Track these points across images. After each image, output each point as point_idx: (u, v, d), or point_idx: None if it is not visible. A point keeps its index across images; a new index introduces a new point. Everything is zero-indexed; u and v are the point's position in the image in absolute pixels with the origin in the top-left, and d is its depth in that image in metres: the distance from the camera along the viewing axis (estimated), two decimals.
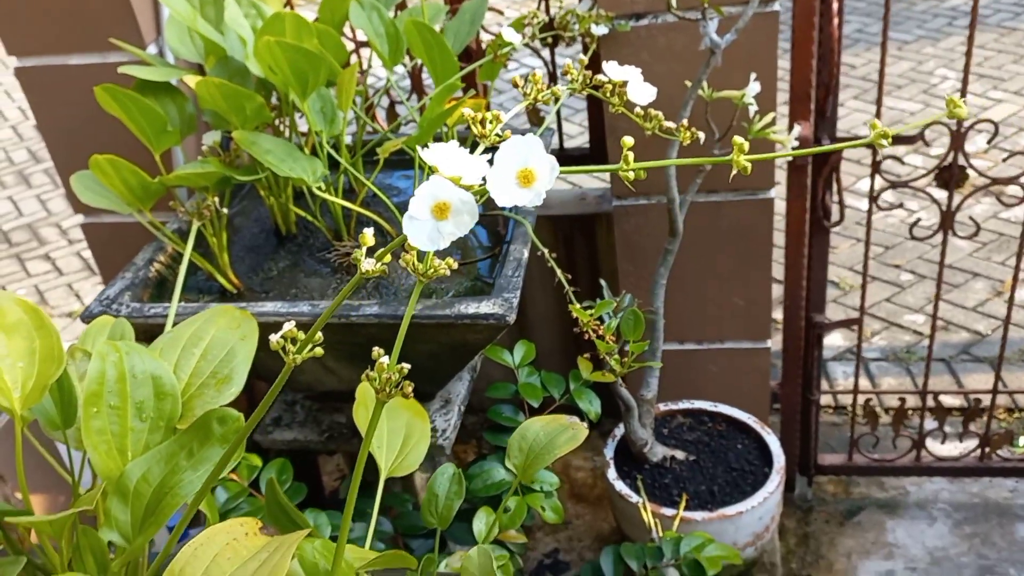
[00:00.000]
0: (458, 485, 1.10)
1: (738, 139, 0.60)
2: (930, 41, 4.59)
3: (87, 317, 1.25)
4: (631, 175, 0.60)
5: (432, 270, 0.63)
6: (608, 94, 0.83)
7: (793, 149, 1.62)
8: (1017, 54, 4.29)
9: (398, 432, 0.99)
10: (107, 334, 1.01)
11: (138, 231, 1.75)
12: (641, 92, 0.81)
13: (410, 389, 0.63)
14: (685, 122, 0.81)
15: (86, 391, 0.83)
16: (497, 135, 0.64)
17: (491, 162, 0.58)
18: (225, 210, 1.31)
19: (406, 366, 0.63)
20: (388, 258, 0.57)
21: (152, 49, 1.68)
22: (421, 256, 0.64)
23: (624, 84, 0.81)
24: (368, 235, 0.56)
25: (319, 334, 0.60)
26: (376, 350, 0.64)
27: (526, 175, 0.52)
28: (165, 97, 1.34)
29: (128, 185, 1.22)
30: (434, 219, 0.52)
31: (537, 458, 1.04)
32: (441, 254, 0.64)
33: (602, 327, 1.21)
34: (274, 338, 0.60)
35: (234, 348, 0.91)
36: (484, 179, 0.52)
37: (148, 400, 0.86)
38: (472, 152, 0.60)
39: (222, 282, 1.36)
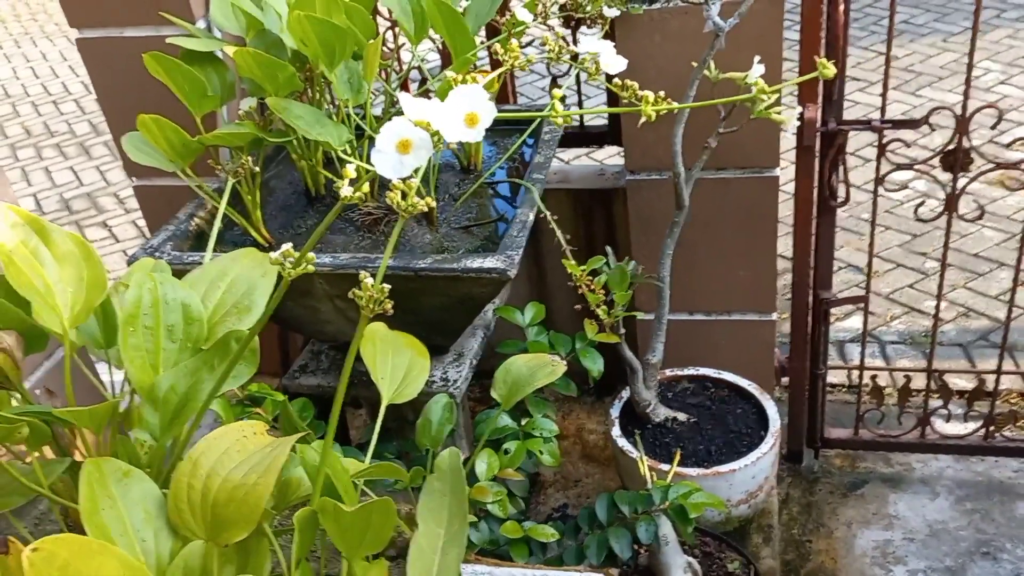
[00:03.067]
0: (449, 412, 1.22)
1: (648, 94, 0.70)
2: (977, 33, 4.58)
3: (132, 262, 1.39)
4: (560, 120, 0.70)
5: (412, 207, 0.74)
6: (583, 64, 0.93)
7: (797, 130, 1.70)
8: None
9: (401, 367, 1.11)
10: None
11: (183, 192, 1.88)
12: (613, 63, 0.92)
13: (389, 306, 0.74)
14: (663, 93, 0.91)
15: (124, 313, 0.96)
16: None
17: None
18: (258, 169, 1.44)
19: (387, 287, 0.74)
20: (365, 188, 0.68)
21: (201, 24, 1.82)
22: (404, 195, 0.75)
23: (597, 55, 0.91)
24: (350, 169, 0.67)
25: (311, 254, 0.72)
26: (362, 272, 0.75)
27: (472, 118, 0.63)
28: (208, 66, 1.47)
29: (170, 143, 1.35)
30: (398, 153, 0.64)
31: (519, 389, 1.15)
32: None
33: (594, 282, 1.31)
34: (274, 255, 0.72)
35: (255, 283, 1.03)
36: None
37: (178, 324, 0.98)
38: None
39: (255, 236, 1.49)
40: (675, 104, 0.75)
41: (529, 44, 1.81)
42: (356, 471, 0.93)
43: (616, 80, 0.94)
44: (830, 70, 0.74)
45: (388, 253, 0.74)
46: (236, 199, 1.52)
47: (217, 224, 1.30)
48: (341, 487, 0.85)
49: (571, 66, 2.14)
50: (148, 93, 1.91)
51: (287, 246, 0.71)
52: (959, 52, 4.40)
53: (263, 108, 1.52)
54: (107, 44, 1.92)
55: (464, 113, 0.62)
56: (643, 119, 0.72)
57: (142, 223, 3.95)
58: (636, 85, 0.96)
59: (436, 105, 0.63)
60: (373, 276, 1.36)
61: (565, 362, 1.18)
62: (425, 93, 1.71)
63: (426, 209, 0.74)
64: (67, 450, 1.08)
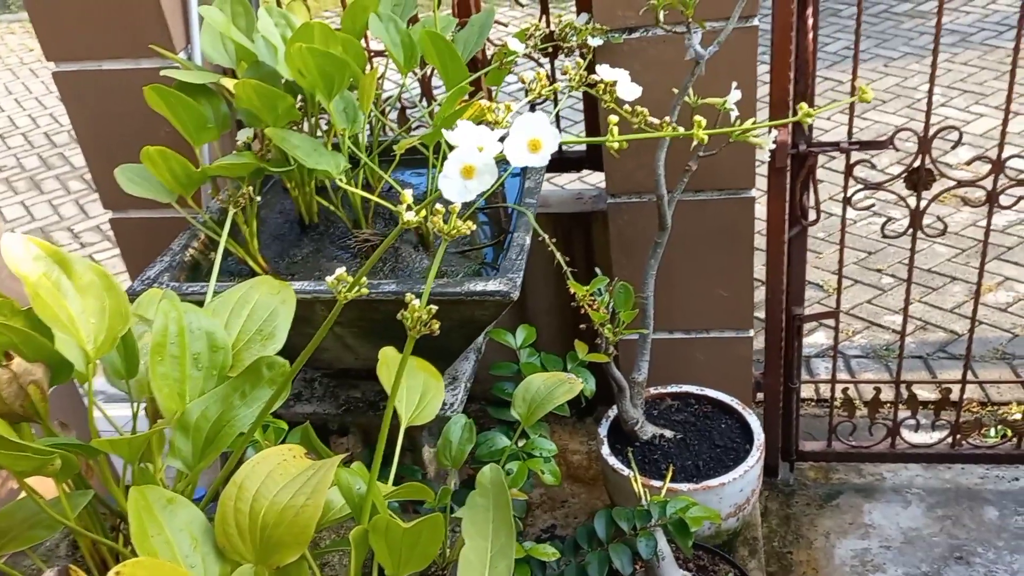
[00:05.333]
0: (469, 432, 1.24)
1: (698, 117, 0.74)
2: (916, 58, 4.76)
3: (131, 295, 1.39)
4: (615, 145, 0.74)
5: (455, 229, 0.77)
6: (601, 91, 0.97)
7: (770, 152, 1.76)
8: (999, 71, 4.45)
9: (416, 389, 1.13)
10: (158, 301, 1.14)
11: (162, 225, 1.88)
12: (628, 90, 0.96)
13: (436, 326, 0.76)
14: (667, 118, 0.96)
15: (152, 342, 0.97)
16: (508, 122, 0.78)
17: (503, 139, 0.72)
18: (258, 198, 1.45)
19: (434, 308, 0.77)
20: (423, 212, 0.71)
21: (183, 55, 1.83)
22: (447, 219, 0.78)
23: (614, 83, 0.95)
24: (407, 195, 0.70)
25: (364, 279, 0.74)
26: (408, 294, 0.77)
27: (535, 143, 0.66)
28: (201, 98, 1.48)
29: (174, 174, 1.35)
30: (462, 178, 0.66)
31: (539, 407, 1.18)
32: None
33: (596, 301, 1.35)
34: (330, 279, 0.74)
35: (276, 310, 1.04)
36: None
37: (203, 352, 0.99)
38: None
39: (252, 265, 1.50)
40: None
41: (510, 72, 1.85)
42: (387, 492, 0.95)
43: (627, 106, 0.98)
44: (869, 94, 0.79)
45: (432, 273, 0.76)
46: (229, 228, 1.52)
47: (220, 254, 1.31)
48: (380, 508, 0.87)
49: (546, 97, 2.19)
50: (127, 125, 1.91)
51: (341, 270, 0.74)
52: (900, 76, 4.56)
53: (257, 138, 1.53)
54: (85, 77, 1.92)
55: (528, 139, 0.65)
56: (695, 142, 0.76)
57: (100, 256, 3.89)
58: (647, 111, 1.00)
59: (493, 133, 0.66)
60: (375, 303, 1.37)
61: (581, 381, 1.21)
62: (409, 128, 1.74)
63: (468, 232, 0.77)
64: (87, 480, 1.08)
